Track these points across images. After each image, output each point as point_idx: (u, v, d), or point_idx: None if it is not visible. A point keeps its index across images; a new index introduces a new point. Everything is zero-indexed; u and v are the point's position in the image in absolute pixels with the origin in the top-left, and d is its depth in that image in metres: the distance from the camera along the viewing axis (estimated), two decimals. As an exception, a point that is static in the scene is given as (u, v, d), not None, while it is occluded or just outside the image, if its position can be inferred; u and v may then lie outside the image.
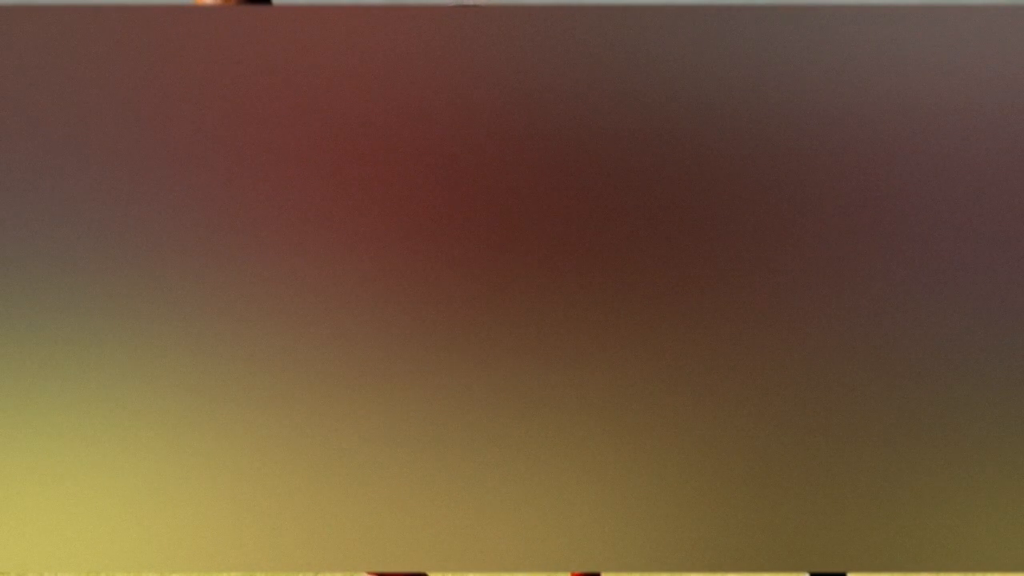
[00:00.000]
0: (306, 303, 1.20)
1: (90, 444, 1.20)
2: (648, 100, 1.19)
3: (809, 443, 1.20)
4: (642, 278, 1.20)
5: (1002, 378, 1.19)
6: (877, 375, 1.20)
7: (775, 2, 1.21)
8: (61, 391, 1.20)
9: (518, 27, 1.18)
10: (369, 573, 1.24)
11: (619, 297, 1.20)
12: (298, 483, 1.21)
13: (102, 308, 1.20)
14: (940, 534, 1.20)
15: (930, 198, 1.20)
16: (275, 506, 1.21)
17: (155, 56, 1.19)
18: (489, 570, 1.21)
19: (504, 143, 1.20)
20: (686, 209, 1.20)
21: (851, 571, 1.21)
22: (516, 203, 1.20)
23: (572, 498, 1.20)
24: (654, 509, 1.20)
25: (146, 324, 1.20)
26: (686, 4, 1.19)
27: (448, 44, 1.19)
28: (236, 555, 1.21)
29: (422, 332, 1.20)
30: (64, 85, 1.19)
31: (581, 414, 1.21)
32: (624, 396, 1.20)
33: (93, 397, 1.20)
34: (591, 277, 1.20)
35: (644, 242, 1.20)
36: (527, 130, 1.19)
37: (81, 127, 1.19)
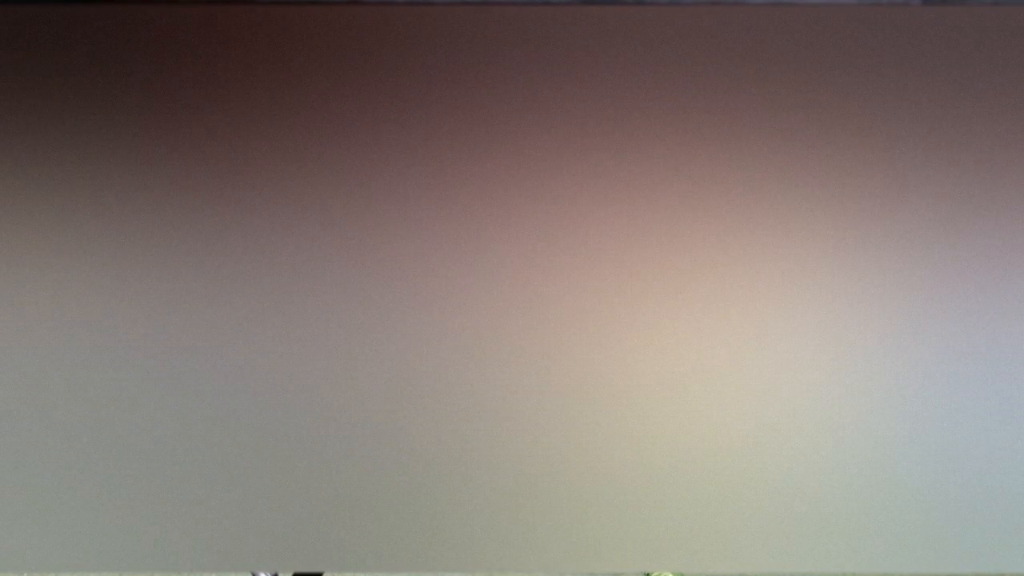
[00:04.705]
0: (305, 305, 1.21)
1: (88, 444, 1.20)
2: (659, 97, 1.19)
3: (801, 444, 1.20)
4: (639, 279, 1.20)
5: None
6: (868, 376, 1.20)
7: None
8: (57, 392, 1.20)
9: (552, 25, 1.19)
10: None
11: (611, 298, 1.20)
12: (298, 484, 1.21)
13: (102, 314, 1.20)
14: (935, 534, 1.20)
15: (930, 198, 1.20)
16: (275, 506, 1.21)
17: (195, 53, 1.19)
18: (486, 570, 1.21)
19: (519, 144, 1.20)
20: (684, 210, 1.20)
21: (851, 570, 1.21)
22: (526, 200, 1.20)
23: (563, 500, 1.21)
24: (644, 510, 1.20)
25: (149, 328, 1.20)
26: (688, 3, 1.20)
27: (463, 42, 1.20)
28: (235, 555, 1.21)
29: (420, 331, 1.21)
30: (67, 84, 1.19)
31: (573, 416, 1.21)
32: (613, 398, 1.21)
33: (91, 397, 1.20)
34: (584, 277, 1.20)
35: (638, 244, 1.20)
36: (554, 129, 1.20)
37: (93, 125, 1.19)
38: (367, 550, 1.21)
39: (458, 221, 1.20)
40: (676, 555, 1.21)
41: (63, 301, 1.19)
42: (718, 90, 1.20)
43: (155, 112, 1.20)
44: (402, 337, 1.20)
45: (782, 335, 1.20)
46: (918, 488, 1.20)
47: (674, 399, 1.20)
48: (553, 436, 1.20)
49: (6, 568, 1.20)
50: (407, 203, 1.20)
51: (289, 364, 1.20)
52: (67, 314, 1.19)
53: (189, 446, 1.20)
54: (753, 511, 1.20)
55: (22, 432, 1.20)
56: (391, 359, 1.20)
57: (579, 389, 1.20)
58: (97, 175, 1.19)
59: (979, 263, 1.20)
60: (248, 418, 1.20)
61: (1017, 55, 1.19)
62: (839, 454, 1.20)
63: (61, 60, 1.19)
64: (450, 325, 1.20)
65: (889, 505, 1.20)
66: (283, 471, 1.20)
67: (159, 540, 1.20)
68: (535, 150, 1.20)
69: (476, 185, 1.20)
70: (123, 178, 1.19)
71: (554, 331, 1.20)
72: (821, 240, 1.20)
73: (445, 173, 1.20)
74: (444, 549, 1.21)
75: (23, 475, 1.20)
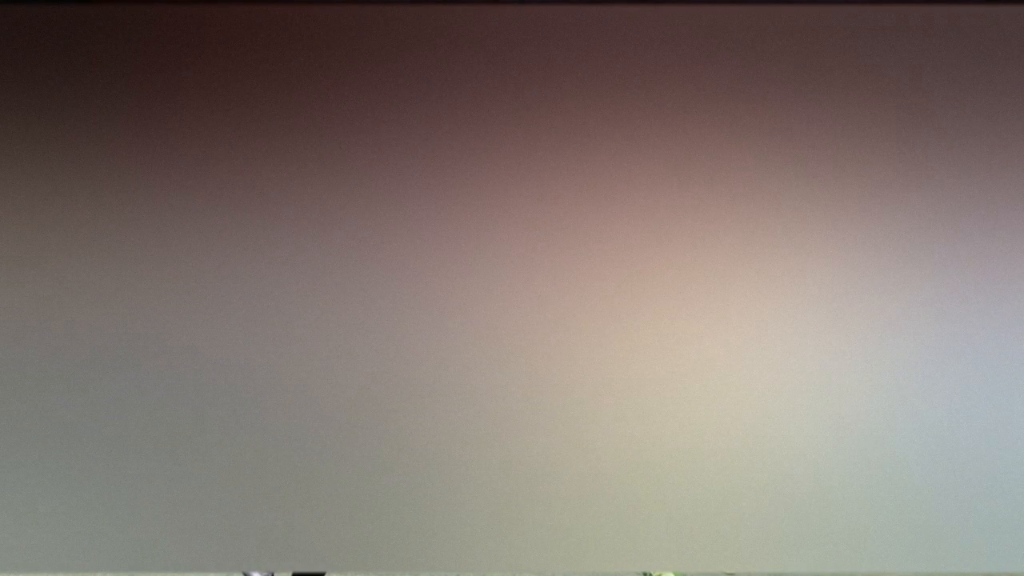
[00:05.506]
0: (305, 304, 1.21)
1: (88, 444, 1.20)
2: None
3: (801, 444, 1.20)
4: (639, 278, 1.20)
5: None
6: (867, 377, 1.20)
7: None
8: (55, 392, 1.20)
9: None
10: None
11: (610, 297, 1.20)
12: (298, 484, 1.21)
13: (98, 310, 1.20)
14: (935, 534, 1.20)
15: (930, 198, 1.20)
16: (275, 506, 1.21)
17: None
18: (486, 570, 1.21)
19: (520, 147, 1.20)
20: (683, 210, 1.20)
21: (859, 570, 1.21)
22: (531, 202, 1.20)
23: (565, 500, 1.21)
24: (645, 509, 1.20)
25: (149, 326, 1.20)
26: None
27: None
28: (235, 555, 1.21)
29: (420, 331, 1.21)
30: (64, 83, 1.19)
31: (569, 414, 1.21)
32: (613, 398, 1.21)
33: (91, 397, 1.20)
34: (583, 276, 1.20)
35: (638, 244, 1.20)
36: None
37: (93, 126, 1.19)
38: (367, 550, 1.21)
39: (458, 221, 1.20)
40: (676, 555, 1.21)
41: (63, 301, 1.20)
42: (718, 90, 1.20)
43: (155, 112, 1.20)
44: (402, 337, 1.20)
45: (782, 335, 1.20)
46: (918, 488, 1.20)
47: (674, 399, 1.20)
48: (553, 436, 1.20)
49: (6, 568, 1.20)
50: (407, 203, 1.20)
51: (289, 364, 1.20)
52: (67, 313, 1.20)
53: (188, 446, 1.20)
54: (753, 511, 1.20)
55: (22, 432, 1.20)
56: (391, 359, 1.20)
57: (579, 389, 1.20)
58: (97, 174, 1.19)
59: (979, 263, 1.20)
60: (248, 418, 1.20)
61: (1017, 55, 1.19)
62: (839, 454, 1.20)
63: (61, 60, 1.19)
64: (450, 325, 1.20)
65: (889, 505, 1.20)
66: (283, 471, 1.20)
67: (159, 540, 1.20)
68: (535, 150, 1.20)
69: (476, 185, 1.20)
70: (123, 178, 1.19)
71: (553, 331, 1.20)
72: (821, 240, 1.20)
73: (445, 173, 1.20)
74: (444, 549, 1.21)
75: (23, 475, 1.20)
